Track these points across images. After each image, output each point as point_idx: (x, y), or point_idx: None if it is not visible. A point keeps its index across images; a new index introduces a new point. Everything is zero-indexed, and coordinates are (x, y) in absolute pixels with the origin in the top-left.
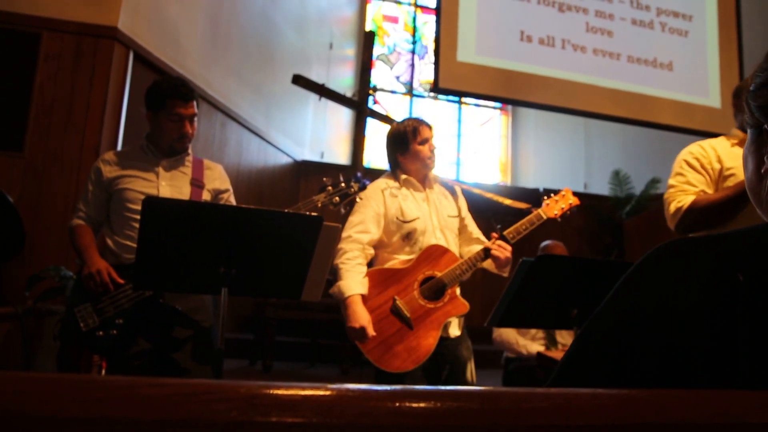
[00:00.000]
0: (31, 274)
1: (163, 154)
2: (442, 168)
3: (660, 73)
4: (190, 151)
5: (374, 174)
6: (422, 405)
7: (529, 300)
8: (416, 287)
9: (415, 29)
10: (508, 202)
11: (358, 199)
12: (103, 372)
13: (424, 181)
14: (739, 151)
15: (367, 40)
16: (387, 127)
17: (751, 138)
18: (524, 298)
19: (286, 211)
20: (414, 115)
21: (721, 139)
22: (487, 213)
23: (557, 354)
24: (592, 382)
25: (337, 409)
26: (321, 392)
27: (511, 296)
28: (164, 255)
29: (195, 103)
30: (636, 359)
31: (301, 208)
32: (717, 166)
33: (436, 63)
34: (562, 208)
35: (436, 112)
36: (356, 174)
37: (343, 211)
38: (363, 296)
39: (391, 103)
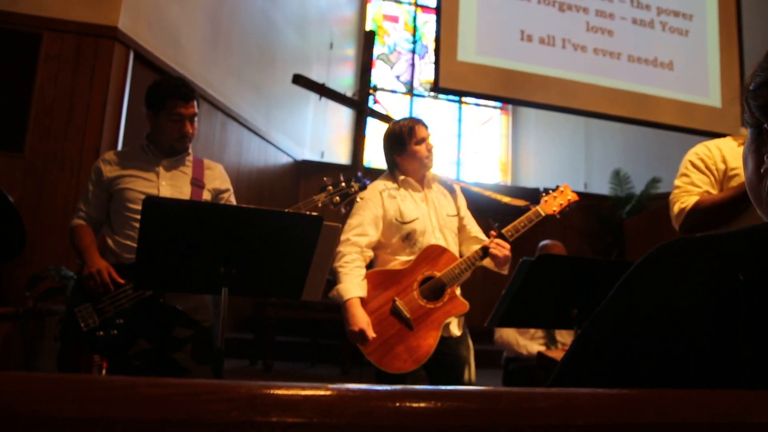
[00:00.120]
0: (31, 274)
1: (163, 154)
2: (442, 168)
3: (660, 73)
4: (190, 150)
5: (374, 173)
6: (422, 405)
7: (530, 300)
8: (416, 288)
9: (415, 29)
10: (506, 199)
11: (358, 199)
12: (104, 372)
13: (422, 180)
14: None
15: (367, 40)
16: (388, 125)
17: (751, 137)
18: (524, 298)
19: (286, 210)
20: (409, 115)
21: (727, 139)
22: (487, 212)
23: (557, 354)
24: (593, 382)
25: (337, 409)
26: (321, 392)
27: (511, 296)
28: (164, 255)
29: (195, 102)
30: (636, 359)
31: (302, 207)
32: (722, 166)
33: (437, 62)
34: (561, 205)
35: (437, 111)
36: (357, 174)
37: (343, 210)
38: (362, 299)
39: (392, 103)
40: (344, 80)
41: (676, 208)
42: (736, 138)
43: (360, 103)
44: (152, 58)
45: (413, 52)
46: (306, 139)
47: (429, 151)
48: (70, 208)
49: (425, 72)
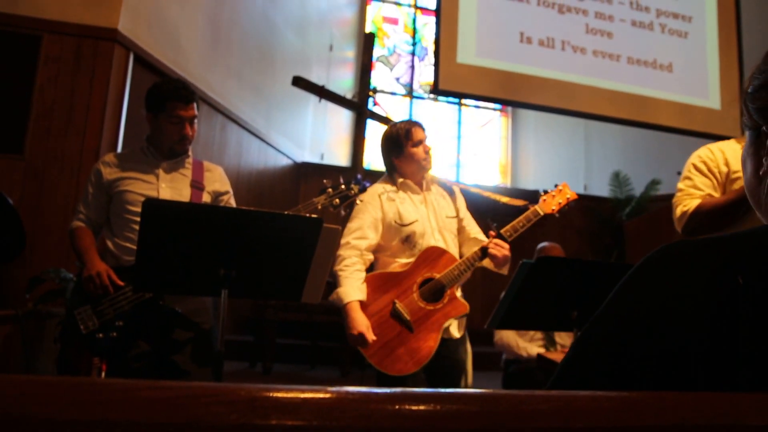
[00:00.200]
0: (31, 276)
1: (163, 156)
2: (442, 170)
3: (660, 75)
4: (190, 153)
5: (374, 175)
6: (422, 408)
7: (529, 302)
8: (415, 290)
9: (415, 31)
10: (505, 199)
11: (358, 201)
12: (103, 374)
13: (421, 183)
14: None
15: (367, 42)
16: (386, 128)
17: (750, 140)
18: (524, 300)
19: (286, 213)
20: (409, 117)
21: (730, 142)
22: (487, 214)
23: (557, 356)
24: (592, 384)
25: (336, 412)
26: (321, 395)
27: (511, 298)
28: (164, 257)
29: (195, 105)
30: (636, 361)
31: (301, 210)
32: (724, 169)
33: (436, 65)
34: (560, 204)
35: (436, 113)
36: (356, 176)
37: (343, 213)
38: (362, 302)
39: (391, 105)
40: (344, 82)
41: (678, 211)
42: (740, 140)
43: (360, 105)
44: (152, 60)
45: (413, 54)
46: (306, 141)
47: (426, 152)
48: (69, 210)
49: (425, 74)
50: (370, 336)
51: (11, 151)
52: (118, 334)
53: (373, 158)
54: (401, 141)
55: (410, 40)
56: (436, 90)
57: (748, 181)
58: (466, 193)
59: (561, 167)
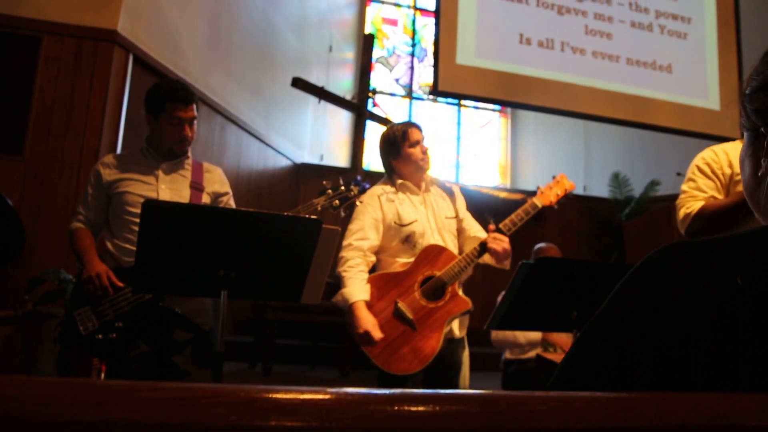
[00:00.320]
0: (31, 277)
1: (162, 157)
2: (441, 171)
3: (659, 76)
4: (189, 154)
5: (374, 176)
6: (421, 408)
7: (529, 302)
8: (417, 288)
9: (414, 32)
10: (503, 194)
11: (357, 203)
12: (103, 375)
13: (420, 183)
14: None
15: (366, 43)
16: (383, 130)
17: (748, 141)
18: (524, 301)
19: (285, 214)
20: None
21: (735, 143)
22: (486, 211)
23: (556, 356)
24: (592, 385)
25: (336, 413)
26: (320, 396)
27: (510, 299)
28: (164, 258)
29: (195, 106)
30: (635, 362)
31: (301, 211)
32: (728, 171)
33: (436, 66)
34: (558, 195)
35: (436, 114)
36: (356, 177)
37: (342, 214)
38: (366, 302)
39: (391, 106)
40: (343, 83)
41: (681, 213)
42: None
43: (359, 106)
44: (152, 62)
45: (412, 55)
46: (305, 142)
47: (424, 153)
48: (69, 211)
49: (424, 75)
50: (377, 334)
51: (11, 151)
52: (118, 335)
53: (373, 159)
54: (398, 142)
55: (410, 42)
56: (436, 91)
57: (747, 182)
58: (465, 192)
59: (560, 168)
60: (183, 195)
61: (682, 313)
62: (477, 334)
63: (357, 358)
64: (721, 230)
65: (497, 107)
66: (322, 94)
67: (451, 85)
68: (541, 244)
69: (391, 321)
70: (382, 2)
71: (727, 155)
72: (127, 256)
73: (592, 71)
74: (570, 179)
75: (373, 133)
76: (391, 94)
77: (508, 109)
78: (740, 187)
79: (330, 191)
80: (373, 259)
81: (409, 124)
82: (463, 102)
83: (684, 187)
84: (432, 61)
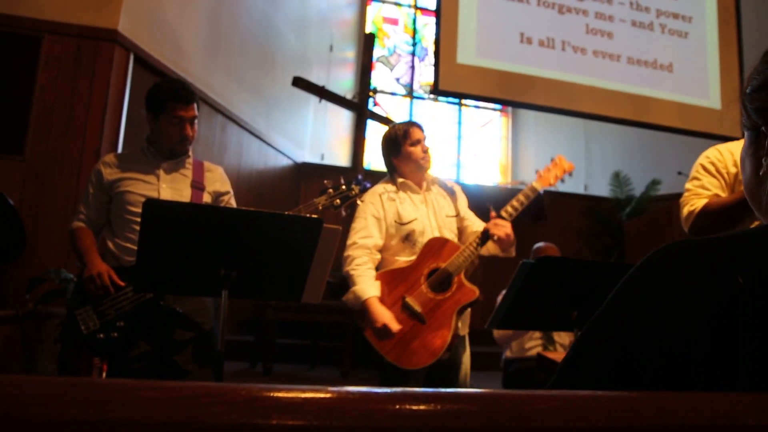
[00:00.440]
0: (31, 277)
1: (163, 156)
2: (442, 170)
3: (660, 75)
4: (190, 153)
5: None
6: (422, 407)
7: (530, 302)
8: (423, 282)
9: (415, 31)
10: (504, 182)
11: (359, 202)
12: (104, 374)
13: (421, 182)
14: None
15: (367, 42)
16: (385, 129)
17: (749, 141)
18: (524, 300)
19: (286, 213)
20: (409, 117)
21: (740, 143)
22: (488, 203)
23: (557, 355)
24: (593, 384)
25: (337, 412)
26: (321, 395)
27: (511, 298)
28: (165, 257)
29: (195, 105)
30: (636, 361)
31: (302, 210)
32: (733, 170)
33: (436, 65)
34: (557, 176)
35: (437, 114)
36: (357, 176)
37: (344, 213)
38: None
39: (392, 105)
40: (344, 82)
41: (685, 211)
42: None
43: (360, 106)
44: (152, 61)
45: (413, 54)
46: (306, 141)
47: (425, 152)
48: (70, 211)
49: (425, 74)
50: (395, 326)
51: (11, 151)
52: (119, 334)
53: (374, 158)
54: (399, 141)
55: (410, 41)
56: (437, 90)
57: (748, 182)
58: (466, 187)
59: None
60: (184, 194)
61: (683, 312)
62: (477, 333)
63: (357, 357)
64: (724, 228)
65: (498, 106)
66: (322, 93)
67: (452, 85)
68: (540, 244)
69: (401, 316)
70: (383, 1)
71: (732, 154)
72: (128, 256)
73: (592, 70)
74: (570, 178)
75: (374, 132)
76: (392, 94)
77: (509, 109)
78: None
79: (331, 190)
80: (379, 256)
81: (411, 124)
82: (463, 101)
83: (688, 185)
84: (433, 61)
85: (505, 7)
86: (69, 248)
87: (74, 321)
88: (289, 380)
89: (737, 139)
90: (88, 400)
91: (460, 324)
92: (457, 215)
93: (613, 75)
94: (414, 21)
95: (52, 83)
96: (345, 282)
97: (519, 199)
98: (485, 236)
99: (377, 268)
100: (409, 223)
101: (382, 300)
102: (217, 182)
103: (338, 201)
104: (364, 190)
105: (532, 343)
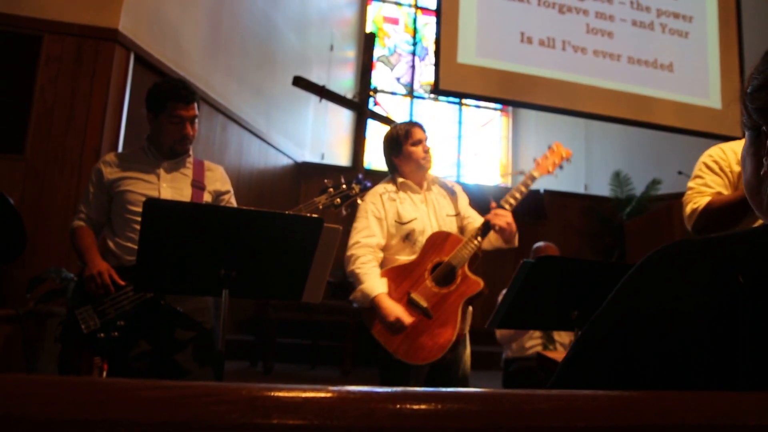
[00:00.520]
0: (32, 276)
1: (164, 155)
2: (442, 169)
3: (660, 74)
4: (191, 152)
5: (375, 175)
6: (423, 407)
7: (530, 301)
8: (427, 276)
9: (415, 31)
10: (504, 171)
11: (359, 201)
12: (105, 374)
13: (422, 182)
14: None
15: (367, 42)
16: (387, 129)
17: (749, 140)
18: (525, 300)
19: (286, 212)
20: (410, 117)
21: (742, 142)
22: (490, 196)
23: (557, 355)
24: (593, 384)
25: (338, 411)
26: (322, 394)
27: (511, 297)
28: (165, 257)
29: (196, 104)
30: (636, 361)
31: (302, 209)
32: (736, 168)
33: (437, 65)
34: (555, 163)
35: (437, 113)
36: (357, 175)
37: (344, 212)
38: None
39: (392, 105)
40: (344, 82)
41: (688, 209)
42: None
43: (360, 105)
44: (153, 61)
45: (413, 54)
46: (306, 140)
47: (425, 152)
48: (70, 210)
49: (425, 74)
50: (408, 318)
51: (12, 151)
52: (120, 333)
53: (374, 158)
54: (400, 140)
55: (411, 40)
56: (437, 90)
57: (748, 182)
58: (466, 188)
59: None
60: (184, 194)
61: (683, 312)
62: (478, 332)
63: (358, 356)
64: (728, 226)
65: (498, 106)
66: (323, 93)
67: (452, 84)
68: (540, 243)
69: (407, 312)
70: (383, 1)
71: (735, 153)
72: (129, 255)
73: (593, 70)
74: (571, 178)
75: (374, 132)
76: (392, 93)
77: (509, 108)
78: None
79: (331, 189)
80: (381, 255)
81: (413, 124)
82: (464, 101)
83: (691, 183)
84: (433, 60)
85: (505, 6)
86: (69, 247)
87: (75, 320)
88: (289, 379)
89: (738, 138)
90: (88, 400)
91: (467, 317)
92: (458, 215)
93: (614, 74)
94: (414, 20)
95: (53, 83)
96: (346, 281)
97: (518, 188)
98: (486, 227)
99: (379, 267)
100: (409, 222)
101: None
102: (218, 181)
103: (338, 200)
104: (364, 189)
105: (532, 342)
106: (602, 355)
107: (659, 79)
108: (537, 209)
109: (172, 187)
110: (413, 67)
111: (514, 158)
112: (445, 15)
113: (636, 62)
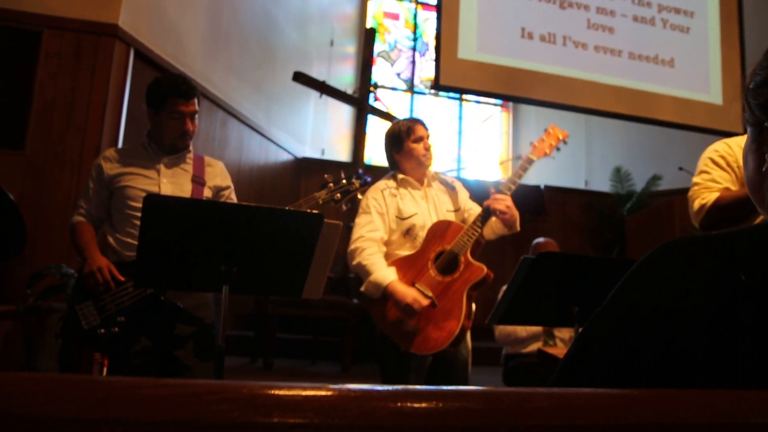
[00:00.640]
0: (32, 272)
1: (164, 151)
2: (443, 165)
3: (661, 70)
4: (191, 148)
5: (375, 171)
6: (424, 405)
7: (531, 297)
8: (431, 266)
9: (415, 26)
10: (503, 159)
11: (359, 196)
12: (105, 370)
13: (422, 179)
14: None
15: (367, 37)
16: (388, 125)
17: (752, 136)
18: (525, 296)
19: (287, 208)
20: (410, 112)
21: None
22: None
23: (557, 351)
24: (594, 382)
25: (338, 410)
26: (323, 392)
27: (512, 294)
28: (165, 252)
29: (196, 100)
30: (637, 358)
31: (303, 205)
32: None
33: (437, 60)
34: (552, 145)
35: (437, 109)
36: (357, 171)
37: (344, 208)
38: None
39: (392, 100)
40: (345, 77)
41: (696, 205)
42: None
43: (360, 101)
44: (153, 56)
45: (414, 49)
46: (306, 136)
47: (426, 149)
48: (70, 206)
49: (426, 69)
50: (424, 300)
51: (12, 146)
52: (120, 329)
53: (374, 154)
54: (402, 137)
55: (411, 36)
56: (437, 85)
57: (750, 179)
58: (466, 183)
59: (562, 162)
60: (185, 189)
61: (685, 309)
62: (478, 328)
63: (358, 352)
64: (737, 222)
65: (499, 102)
66: (323, 88)
67: (453, 80)
68: (540, 239)
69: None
70: None
71: (741, 149)
72: (129, 251)
73: (594, 66)
74: (571, 173)
75: (375, 127)
76: (393, 89)
77: (510, 104)
78: None
79: (331, 185)
80: (385, 249)
81: (415, 121)
82: (464, 96)
83: (696, 179)
84: (433, 56)
85: (506, 2)
86: (69, 243)
87: (75, 316)
88: (289, 375)
89: (740, 134)
90: (89, 398)
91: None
92: (458, 210)
93: (615, 70)
94: (415, 16)
95: (53, 78)
96: (346, 277)
97: (516, 172)
98: (486, 213)
99: None
100: (409, 217)
101: None
102: (218, 177)
103: (339, 195)
104: (364, 185)
105: (532, 341)
106: (603, 352)
107: (660, 74)
108: (537, 205)
109: (173, 182)
110: (413, 62)
111: (514, 154)
112: (445, 10)
113: (637, 58)
